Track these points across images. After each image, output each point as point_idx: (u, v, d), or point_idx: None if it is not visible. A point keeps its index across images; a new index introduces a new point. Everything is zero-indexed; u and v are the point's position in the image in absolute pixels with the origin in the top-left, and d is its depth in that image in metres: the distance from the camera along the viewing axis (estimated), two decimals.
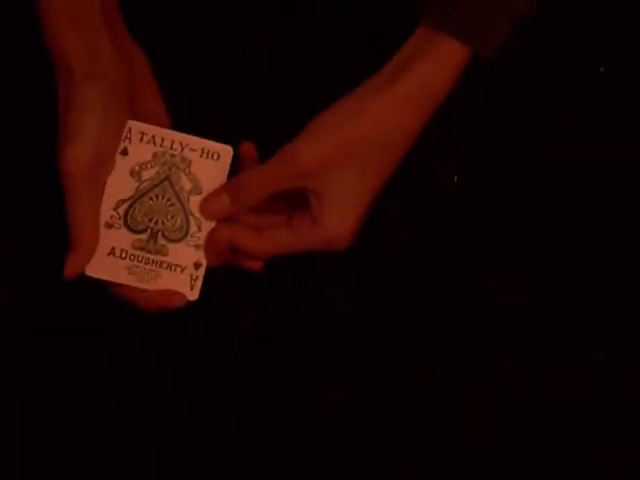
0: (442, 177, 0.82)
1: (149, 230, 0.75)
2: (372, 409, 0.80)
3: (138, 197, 0.76)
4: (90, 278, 0.74)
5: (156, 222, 0.75)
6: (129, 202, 0.75)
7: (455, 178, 0.79)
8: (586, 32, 0.84)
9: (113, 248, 0.75)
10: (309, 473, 0.80)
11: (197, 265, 0.75)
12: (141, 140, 0.76)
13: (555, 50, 0.84)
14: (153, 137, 0.76)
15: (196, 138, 0.76)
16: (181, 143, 0.76)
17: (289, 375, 0.80)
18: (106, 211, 0.75)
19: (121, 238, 0.75)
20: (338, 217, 0.73)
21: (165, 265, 0.75)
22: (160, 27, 0.83)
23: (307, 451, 0.80)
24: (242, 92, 0.83)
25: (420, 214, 0.82)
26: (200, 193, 0.76)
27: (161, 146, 0.76)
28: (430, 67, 0.72)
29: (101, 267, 0.75)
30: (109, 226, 0.75)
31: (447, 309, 0.82)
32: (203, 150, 0.76)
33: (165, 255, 0.76)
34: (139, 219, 0.75)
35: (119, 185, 0.75)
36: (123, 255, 0.75)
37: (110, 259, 0.75)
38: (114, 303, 0.80)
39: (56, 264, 0.80)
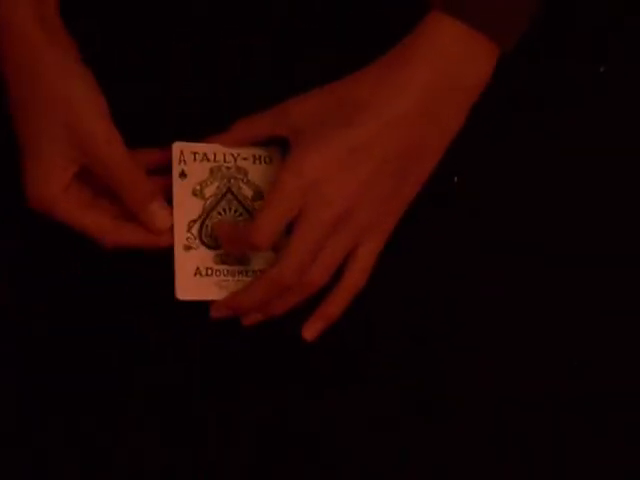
0: (442, 177, 0.82)
1: None
2: (348, 413, 0.80)
3: (206, 215, 0.77)
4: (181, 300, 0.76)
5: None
6: (200, 221, 0.77)
7: (455, 178, 0.79)
8: (586, 32, 0.84)
9: (198, 268, 0.76)
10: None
11: None
12: (194, 160, 0.77)
13: (555, 50, 0.84)
14: (205, 154, 0.78)
15: (246, 147, 0.78)
16: (232, 155, 0.78)
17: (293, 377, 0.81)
18: (181, 235, 0.76)
19: (202, 257, 0.76)
20: (312, 151, 0.73)
21: (250, 273, 0.77)
22: (158, 24, 0.83)
23: (305, 450, 0.80)
24: (242, 89, 0.83)
25: (420, 214, 0.82)
26: (262, 197, 0.78)
27: (215, 161, 0.78)
28: (436, 53, 0.73)
29: (191, 289, 0.76)
30: (188, 248, 0.76)
31: (444, 311, 0.81)
32: (255, 156, 0.78)
33: (248, 264, 0.77)
34: (213, 235, 0.77)
35: (186, 207, 0.77)
36: (209, 273, 0.76)
37: (197, 279, 0.76)
38: (114, 304, 0.80)
39: (56, 264, 0.81)
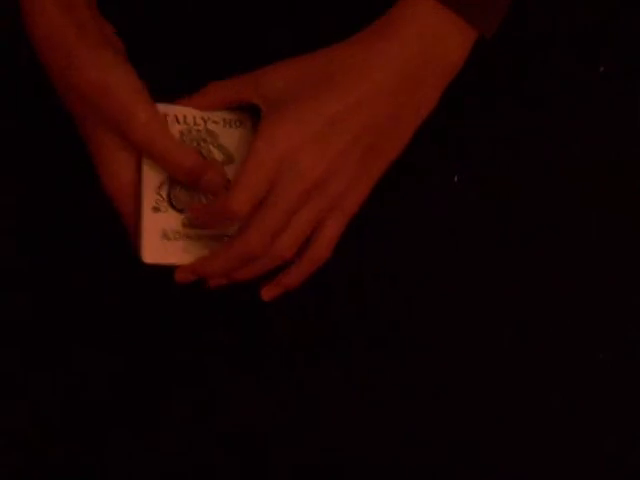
0: (442, 177, 0.82)
1: None
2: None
3: None
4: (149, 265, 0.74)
5: (199, 198, 0.76)
6: (168, 183, 0.76)
7: (455, 178, 0.79)
8: (586, 32, 0.84)
9: (165, 231, 0.75)
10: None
11: None
12: (165, 122, 0.76)
13: (555, 50, 0.84)
14: (176, 116, 0.76)
15: (216, 111, 0.77)
16: (203, 118, 0.77)
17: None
18: (150, 196, 0.75)
19: (170, 220, 0.75)
20: (287, 121, 0.73)
21: (218, 238, 0.76)
22: (168, 26, 0.83)
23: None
24: None
25: (420, 214, 0.82)
26: (233, 162, 0.77)
27: (185, 123, 0.76)
28: (411, 31, 0.73)
29: (158, 252, 0.75)
30: (156, 210, 0.75)
31: (442, 310, 0.82)
32: (225, 120, 0.77)
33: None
34: (182, 198, 0.76)
35: (155, 169, 0.75)
36: (176, 236, 0.75)
37: (165, 243, 0.75)
38: (114, 303, 0.80)
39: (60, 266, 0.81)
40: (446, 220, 0.81)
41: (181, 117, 0.76)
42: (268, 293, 0.78)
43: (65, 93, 0.75)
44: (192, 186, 0.75)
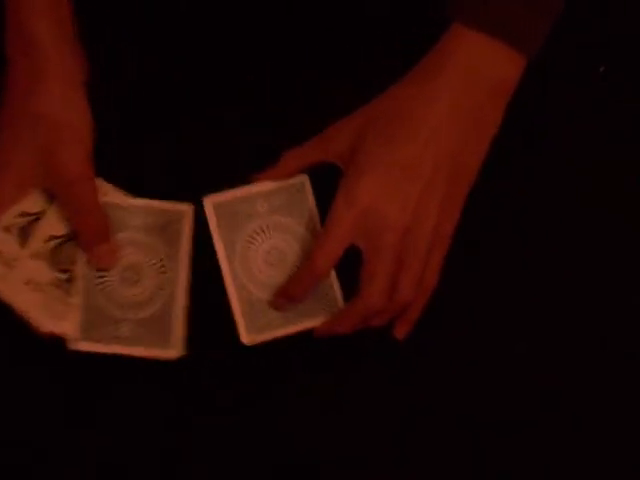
0: None
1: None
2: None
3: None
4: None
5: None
6: (61, 240, 0.77)
7: None
8: (586, 32, 0.84)
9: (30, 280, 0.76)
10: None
11: None
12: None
13: (555, 50, 0.84)
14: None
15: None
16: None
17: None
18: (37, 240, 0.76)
19: (35, 267, 0.76)
20: (363, 175, 0.74)
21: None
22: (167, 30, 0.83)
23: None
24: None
25: None
26: None
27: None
28: (459, 65, 0.75)
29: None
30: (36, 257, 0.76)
31: (442, 310, 0.82)
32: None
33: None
34: (63, 259, 0.76)
35: (53, 222, 0.77)
36: (35, 287, 0.76)
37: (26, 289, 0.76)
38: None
39: None
40: None
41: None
42: (401, 331, 0.79)
43: (15, 92, 0.75)
44: (82, 249, 0.76)
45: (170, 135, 0.82)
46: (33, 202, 0.76)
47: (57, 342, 0.76)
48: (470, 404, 0.80)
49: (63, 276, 0.76)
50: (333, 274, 0.79)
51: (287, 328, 0.78)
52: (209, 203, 0.77)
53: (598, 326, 0.82)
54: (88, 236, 0.76)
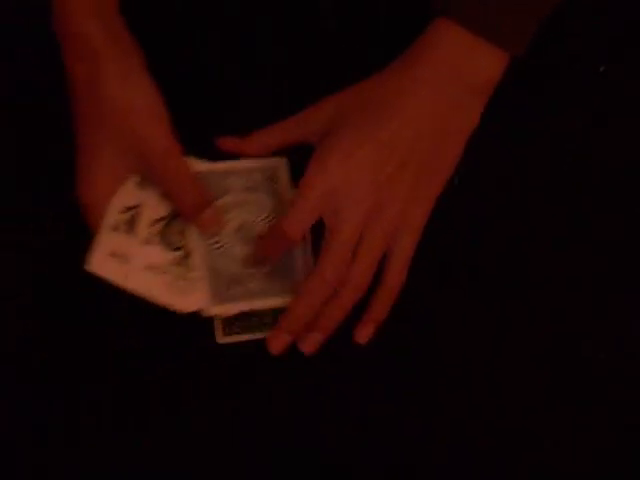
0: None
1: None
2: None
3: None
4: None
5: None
6: (167, 220, 0.78)
7: (455, 179, 0.80)
8: (586, 32, 0.84)
9: (115, 251, 0.77)
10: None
11: None
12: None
13: (555, 50, 0.84)
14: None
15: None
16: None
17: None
18: (111, 215, 0.77)
19: (154, 253, 0.78)
20: (336, 150, 0.75)
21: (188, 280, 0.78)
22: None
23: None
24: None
25: None
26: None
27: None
28: (439, 59, 0.76)
29: (101, 266, 0.77)
30: (115, 229, 0.77)
31: (441, 309, 0.82)
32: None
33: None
34: (174, 239, 0.78)
35: (158, 204, 0.78)
36: (157, 271, 0.77)
37: (112, 260, 0.77)
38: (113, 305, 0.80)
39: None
40: (446, 220, 0.81)
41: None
42: (361, 334, 0.78)
43: (81, 99, 0.76)
44: (187, 220, 0.77)
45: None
46: (130, 195, 0.78)
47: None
48: (464, 411, 0.80)
49: (178, 253, 0.78)
50: (301, 256, 0.79)
51: (251, 303, 0.78)
52: None
53: (598, 327, 0.82)
54: (190, 206, 0.77)
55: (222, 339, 0.79)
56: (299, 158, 0.79)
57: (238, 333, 0.79)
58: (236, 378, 0.80)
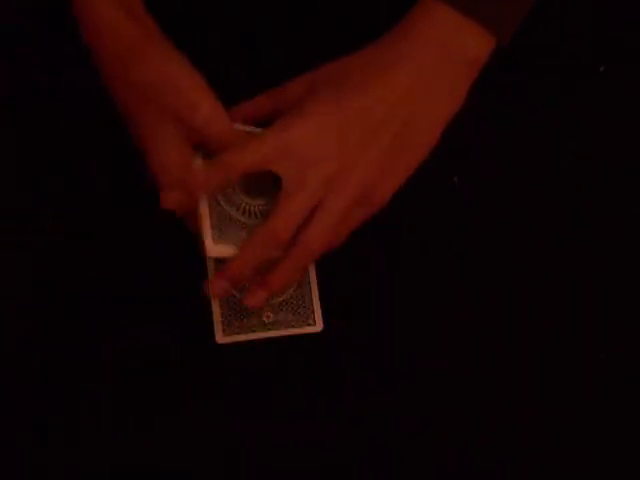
0: (442, 177, 0.82)
1: None
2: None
3: None
4: None
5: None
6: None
7: (455, 178, 0.80)
8: (586, 32, 0.84)
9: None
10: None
11: None
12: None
13: (555, 50, 0.84)
14: None
15: None
16: None
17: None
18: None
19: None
20: (303, 113, 0.74)
21: None
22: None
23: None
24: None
25: (420, 214, 0.82)
26: None
27: None
28: (427, 36, 0.75)
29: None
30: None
31: (441, 309, 0.82)
32: None
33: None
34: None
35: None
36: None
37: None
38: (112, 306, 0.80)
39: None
40: (446, 220, 0.81)
41: None
42: (252, 297, 0.76)
43: (122, 87, 0.76)
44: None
45: None
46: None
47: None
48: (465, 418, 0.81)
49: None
50: (315, 289, 0.80)
51: (264, 333, 0.79)
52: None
53: (598, 326, 0.82)
54: (241, 168, 0.75)
55: (222, 339, 0.79)
56: None
57: (238, 333, 0.79)
58: (236, 378, 0.80)
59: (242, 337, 0.79)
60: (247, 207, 0.77)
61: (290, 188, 0.74)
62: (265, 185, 0.77)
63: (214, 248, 0.75)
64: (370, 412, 0.80)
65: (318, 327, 0.80)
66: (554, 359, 0.81)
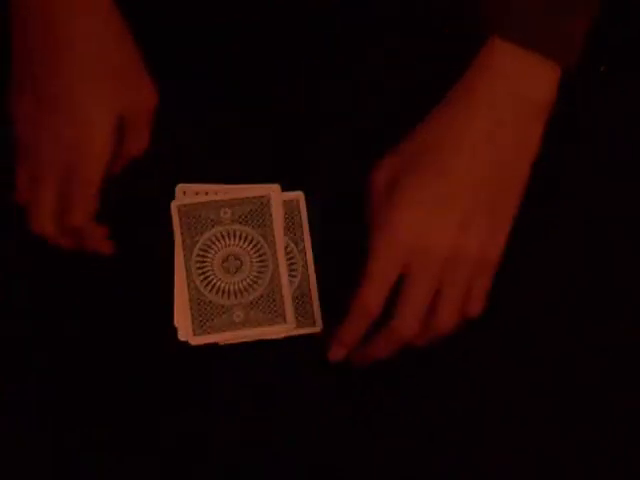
0: None
1: None
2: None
3: None
4: None
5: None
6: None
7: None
8: (586, 32, 0.84)
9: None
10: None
11: None
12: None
13: None
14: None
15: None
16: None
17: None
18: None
19: None
20: (399, 210, 0.74)
21: None
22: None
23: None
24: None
25: None
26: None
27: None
28: (496, 84, 0.75)
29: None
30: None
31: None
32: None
33: None
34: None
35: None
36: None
37: None
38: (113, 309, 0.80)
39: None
40: None
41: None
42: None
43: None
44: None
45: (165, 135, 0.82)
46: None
47: None
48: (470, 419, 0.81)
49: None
50: (286, 285, 0.80)
51: (233, 335, 0.79)
52: (174, 206, 0.79)
53: (598, 326, 0.82)
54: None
55: (193, 340, 0.79)
56: (293, 183, 0.80)
57: (209, 333, 0.79)
58: (236, 378, 0.80)
59: (212, 338, 0.80)
60: (226, 287, 0.79)
61: (407, 286, 0.75)
62: (243, 260, 0.79)
63: (195, 339, 0.79)
64: (371, 412, 0.80)
65: (318, 327, 0.80)
66: (552, 360, 0.81)
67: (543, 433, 0.80)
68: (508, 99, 0.75)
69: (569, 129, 0.84)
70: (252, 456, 0.79)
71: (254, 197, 0.80)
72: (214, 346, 0.79)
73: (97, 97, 0.75)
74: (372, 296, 0.75)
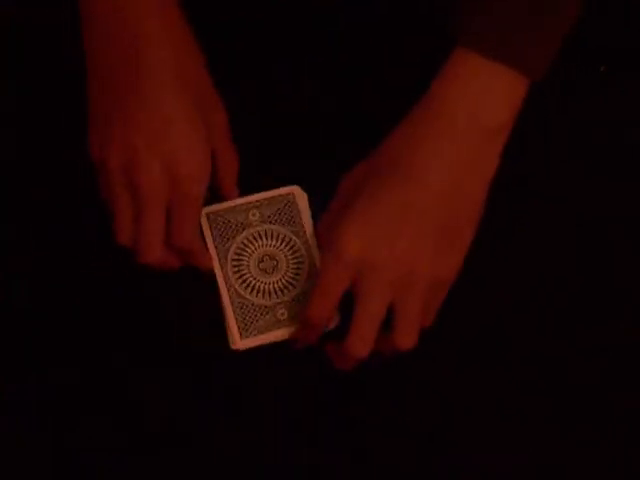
0: None
1: None
2: None
3: None
4: None
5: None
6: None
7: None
8: (585, 32, 0.84)
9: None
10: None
11: None
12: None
13: None
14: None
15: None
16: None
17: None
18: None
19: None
20: (348, 224, 0.74)
21: None
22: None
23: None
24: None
25: None
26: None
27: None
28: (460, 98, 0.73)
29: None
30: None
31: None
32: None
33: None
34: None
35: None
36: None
37: None
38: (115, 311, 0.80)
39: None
40: None
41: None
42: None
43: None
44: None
45: None
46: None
47: None
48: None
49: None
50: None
51: (281, 333, 0.79)
52: (202, 213, 0.80)
53: (598, 326, 0.82)
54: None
55: (239, 344, 0.79)
56: (313, 185, 0.81)
57: (255, 335, 0.79)
58: (237, 379, 0.80)
59: (260, 340, 0.80)
60: (266, 287, 0.80)
61: (358, 305, 0.74)
62: (278, 259, 0.80)
63: (241, 343, 0.79)
64: (372, 413, 0.80)
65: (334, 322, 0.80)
66: (553, 360, 0.81)
67: (543, 433, 0.80)
68: (465, 119, 0.73)
69: (568, 129, 0.84)
70: (252, 456, 0.79)
71: (280, 195, 0.81)
72: (214, 346, 0.79)
73: (188, 115, 0.75)
74: (316, 310, 0.75)
